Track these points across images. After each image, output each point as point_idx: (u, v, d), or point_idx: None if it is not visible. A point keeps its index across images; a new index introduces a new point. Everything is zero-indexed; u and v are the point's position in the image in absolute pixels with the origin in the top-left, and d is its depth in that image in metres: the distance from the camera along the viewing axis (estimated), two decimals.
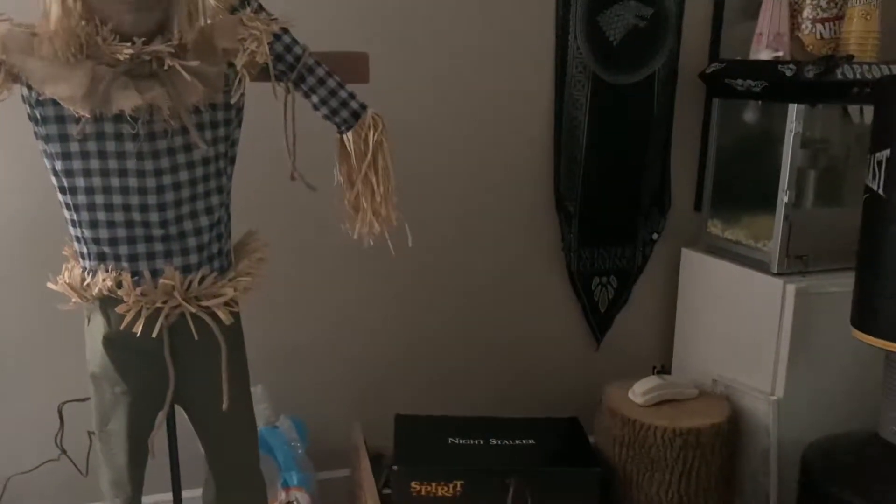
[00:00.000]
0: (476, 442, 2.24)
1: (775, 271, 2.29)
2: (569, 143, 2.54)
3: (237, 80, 1.35)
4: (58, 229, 1.41)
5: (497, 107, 2.45)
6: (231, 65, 1.34)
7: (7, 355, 2.16)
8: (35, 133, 1.27)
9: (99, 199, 1.28)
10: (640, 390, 2.32)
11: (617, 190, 2.62)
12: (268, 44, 1.36)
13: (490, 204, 2.51)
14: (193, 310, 1.33)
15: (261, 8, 1.47)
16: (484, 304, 2.57)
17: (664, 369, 2.59)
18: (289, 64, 1.42)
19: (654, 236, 2.69)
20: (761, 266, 2.33)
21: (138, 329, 1.30)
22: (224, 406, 1.37)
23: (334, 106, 1.48)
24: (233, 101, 1.35)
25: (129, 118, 1.23)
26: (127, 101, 1.21)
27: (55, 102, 1.22)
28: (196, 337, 1.35)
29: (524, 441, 2.26)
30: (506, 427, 2.31)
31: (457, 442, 2.23)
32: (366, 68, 1.62)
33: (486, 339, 2.59)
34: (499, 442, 2.24)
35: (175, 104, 1.25)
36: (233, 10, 1.44)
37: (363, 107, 1.51)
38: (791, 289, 2.23)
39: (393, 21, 2.30)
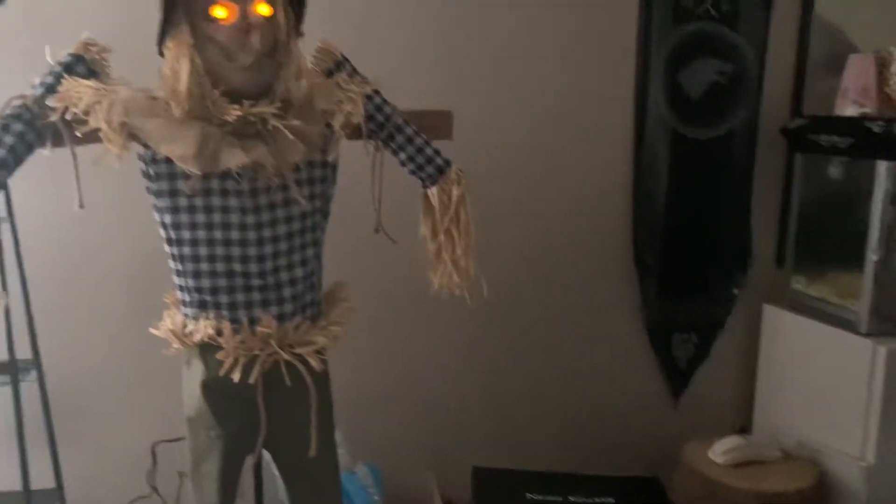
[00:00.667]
0: (555, 499, 2.21)
1: (864, 331, 2.22)
2: (648, 197, 2.54)
3: (334, 139, 1.41)
4: (160, 278, 1.49)
5: (576, 160, 2.48)
6: (328, 125, 1.41)
7: (106, 393, 2.27)
8: (147, 188, 1.36)
9: (203, 250, 1.35)
10: (721, 450, 2.26)
11: (697, 244, 2.60)
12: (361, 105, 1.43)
13: (568, 256, 2.52)
14: (287, 357, 1.38)
15: (354, 71, 1.55)
16: (560, 356, 2.56)
17: (745, 429, 2.52)
18: (379, 123, 1.49)
19: (736, 291, 2.64)
20: (849, 325, 2.26)
21: (236, 375, 1.36)
22: (312, 452, 1.41)
23: (420, 162, 1.54)
24: (329, 159, 1.42)
25: (234, 175, 1.31)
26: (233, 159, 1.28)
27: (168, 160, 1.30)
28: (288, 383, 1.39)
29: (604, 499, 2.22)
30: (585, 484, 2.29)
31: (536, 498, 2.21)
32: (450, 126, 1.67)
33: (561, 391, 2.57)
34: (578, 500, 2.21)
35: (277, 162, 1.31)
36: (328, 73, 1.52)
37: (447, 163, 1.56)
38: (882, 350, 2.15)
39: (477, 80, 2.37)
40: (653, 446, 2.58)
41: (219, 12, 1.25)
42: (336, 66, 1.53)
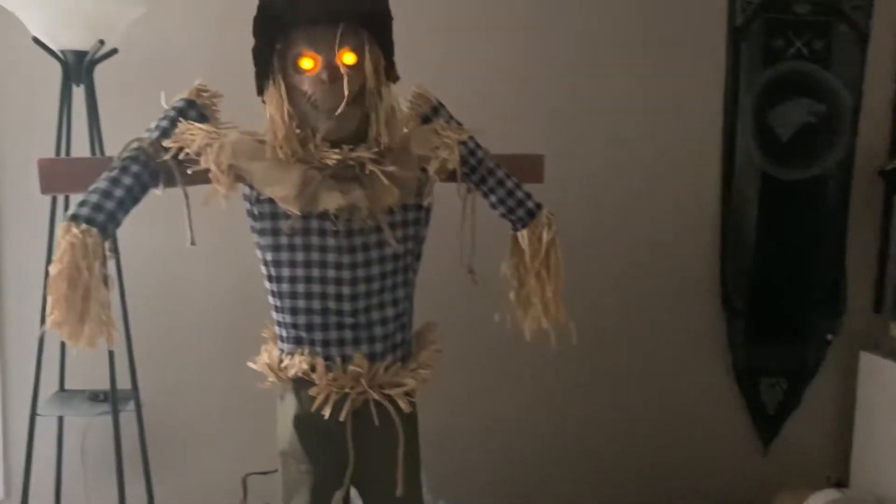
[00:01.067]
0: None
1: None
2: (736, 237, 2.49)
3: (429, 184, 1.45)
4: (258, 313, 1.54)
5: (663, 200, 2.46)
6: (423, 169, 1.44)
7: (200, 424, 2.34)
8: (251, 227, 1.42)
9: (300, 287, 1.40)
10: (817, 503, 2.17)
11: (788, 286, 2.52)
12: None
13: (653, 297, 2.48)
14: (377, 397, 1.40)
15: (450, 117, 1.58)
16: (645, 398, 2.51)
17: (842, 482, 2.41)
18: (472, 167, 1.51)
19: (829, 337, 2.54)
20: None
21: (327, 412, 1.39)
22: (398, 492, 1.42)
23: (511, 205, 1.55)
24: (424, 203, 1.45)
25: (332, 216, 1.35)
26: (332, 201, 1.33)
27: (271, 201, 1.36)
28: (377, 423, 1.42)
29: None
30: None
31: None
32: (541, 169, 1.69)
33: (644, 436, 2.52)
34: None
35: (373, 205, 1.35)
36: (424, 118, 1.56)
37: (538, 206, 1.57)
38: None
39: (564, 120, 2.38)
40: (742, 494, 2.50)
41: (305, 63, 1.31)
42: (432, 111, 1.57)
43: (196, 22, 2.20)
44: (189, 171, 1.35)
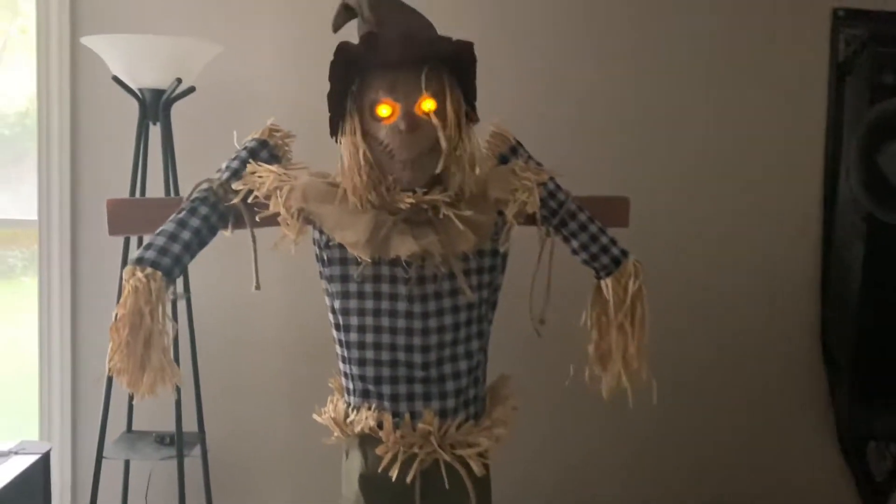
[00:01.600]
0: None
1: None
2: (839, 289, 2.32)
3: (506, 228, 1.37)
4: (325, 361, 1.48)
5: (757, 249, 2.33)
6: (500, 213, 1.36)
7: (264, 471, 2.29)
8: (320, 273, 1.37)
9: (369, 337, 1.33)
10: None
11: None
12: None
13: (748, 354, 2.33)
14: (447, 458, 1.32)
15: (529, 157, 1.51)
16: (734, 464, 2.34)
17: None
18: (552, 209, 1.43)
19: None
20: None
21: (394, 473, 1.31)
22: None
23: (594, 251, 1.46)
24: (501, 249, 1.37)
25: (403, 263, 1.29)
26: (404, 247, 1.26)
27: (341, 246, 1.30)
28: (447, 486, 1.32)
29: None
30: None
31: None
32: (626, 213, 1.60)
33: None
34: None
35: (446, 251, 1.28)
36: (502, 158, 1.49)
37: (624, 253, 1.47)
38: None
39: (653, 165, 2.28)
40: None
41: (382, 111, 1.26)
42: (510, 151, 1.51)
43: (272, 61, 2.20)
44: (258, 217, 1.31)
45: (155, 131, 1.92)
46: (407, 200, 1.27)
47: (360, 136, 1.26)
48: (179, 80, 1.84)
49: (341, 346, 1.37)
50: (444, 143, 1.24)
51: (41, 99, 2.08)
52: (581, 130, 2.29)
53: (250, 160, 1.37)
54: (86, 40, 1.82)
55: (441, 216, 1.29)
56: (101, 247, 2.14)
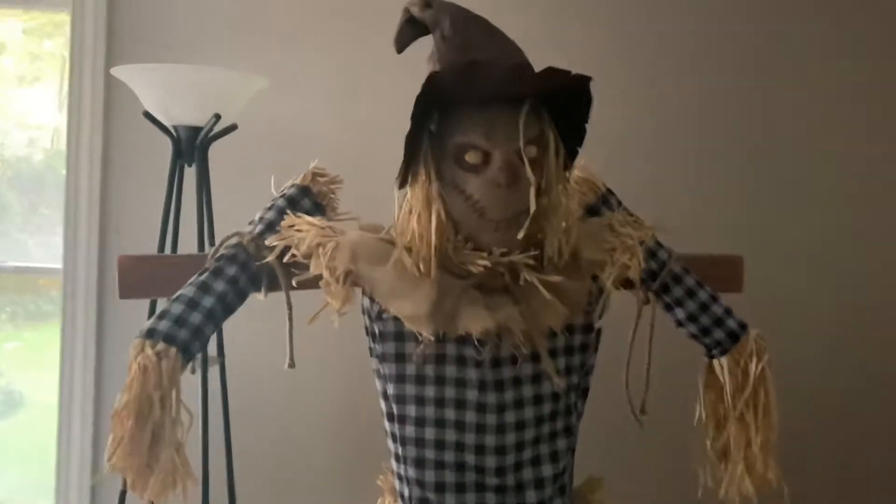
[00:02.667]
0: None
1: None
2: None
3: (602, 298, 1.11)
4: (375, 449, 1.24)
5: (888, 315, 2.01)
6: (594, 278, 1.11)
7: None
8: (370, 349, 1.13)
9: (430, 433, 1.08)
10: None
11: None
12: None
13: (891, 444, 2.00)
14: None
15: (622, 206, 1.26)
16: None
17: None
18: (651, 271, 1.19)
19: None
20: None
21: None
22: None
23: (705, 324, 1.22)
24: (596, 324, 1.12)
25: (475, 341, 1.04)
26: (475, 322, 1.02)
27: (397, 319, 1.07)
28: None
29: None
30: None
31: None
32: (740, 275, 1.37)
33: None
34: None
35: (529, 327, 1.04)
36: (590, 210, 1.25)
37: (743, 326, 1.23)
38: None
39: (766, 219, 2.01)
40: None
41: (473, 158, 1.02)
42: (600, 200, 1.26)
43: (323, 97, 2.02)
44: (295, 280, 1.09)
45: (190, 174, 1.72)
46: (479, 262, 1.03)
47: (436, 188, 1.03)
48: (218, 117, 1.65)
49: (395, 441, 1.12)
50: (533, 205, 1.00)
51: (71, 136, 1.93)
52: (686, 184, 2.05)
53: (288, 210, 1.15)
54: (116, 71, 1.65)
55: (522, 282, 1.04)
56: (129, 301, 1.94)
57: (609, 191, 1.30)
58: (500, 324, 1.03)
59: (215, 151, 1.75)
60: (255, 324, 1.62)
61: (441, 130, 1.03)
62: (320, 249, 1.08)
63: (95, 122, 1.93)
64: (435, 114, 1.03)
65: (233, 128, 1.73)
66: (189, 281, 1.09)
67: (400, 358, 1.08)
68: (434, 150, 1.04)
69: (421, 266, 1.04)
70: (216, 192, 1.75)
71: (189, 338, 1.05)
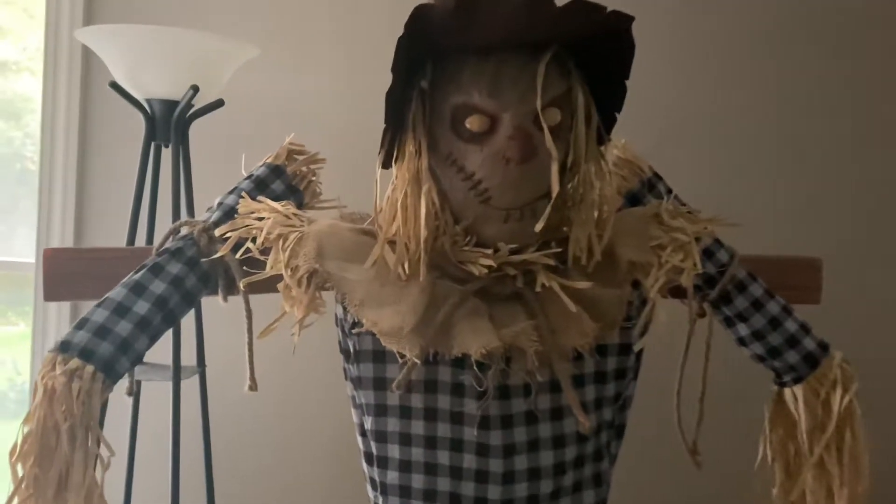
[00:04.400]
0: None
1: None
2: None
3: (646, 310, 0.89)
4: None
5: None
6: (635, 284, 0.88)
7: None
8: (344, 370, 0.92)
9: (417, 481, 0.86)
10: None
11: None
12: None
13: None
14: None
15: (671, 194, 1.04)
16: None
17: None
18: (707, 276, 0.97)
19: None
20: None
21: None
22: None
23: (776, 344, 0.99)
24: (636, 345, 0.89)
25: (475, 364, 0.81)
26: (476, 339, 0.80)
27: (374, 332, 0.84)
28: None
29: None
30: None
31: None
32: (817, 283, 1.12)
33: None
34: None
35: (547, 347, 0.81)
36: (631, 198, 1.02)
37: (824, 348, 1.00)
38: None
39: (845, 221, 1.75)
40: None
41: (475, 123, 0.80)
42: (646, 187, 1.04)
43: (322, 70, 1.82)
44: (241, 283, 0.88)
45: (169, 156, 1.52)
46: (483, 262, 0.81)
47: (426, 163, 0.82)
48: (196, 89, 1.45)
49: (374, 488, 0.91)
50: (555, 186, 0.77)
51: (46, 112, 1.74)
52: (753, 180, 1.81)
53: (246, 195, 0.93)
54: (80, 34, 1.45)
55: (539, 288, 0.82)
56: None
57: (656, 175, 1.08)
58: (510, 342, 0.81)
59: (198, 131, 1.55)
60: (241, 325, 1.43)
61: (435, 88, 0.81)
62: (280, 242, 0.86)
63: (73, 103, 1.74)
64: (428, 65, 0.81)
65: (218, 104, 1.53)
66: (122, 280, 0.88)
67: (380, 384, 0.87)
68: (426, 114, 0.82)
69: (407, 266, 0.82)
70: (199, 177, 1.55)
71: (113, 353, 0.84)
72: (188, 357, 1.51)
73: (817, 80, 1.87)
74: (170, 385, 1.42)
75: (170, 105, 1.47)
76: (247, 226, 0.89)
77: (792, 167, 1.87)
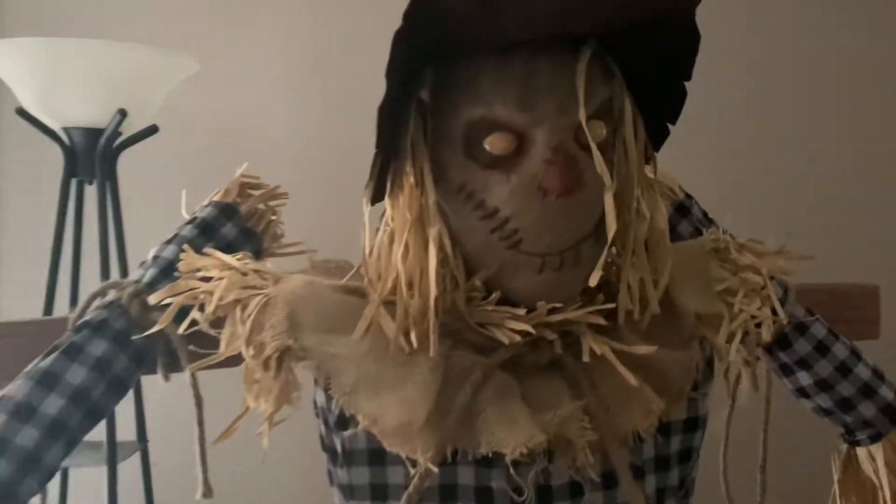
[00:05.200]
0: None
1: None
2: None
3: (710, 371, 0.72)
4: None
5: None
6: (701, 340, 0.70)
7: None
8: (329, 474, 0.71)
9: None
10: None
11: None
12: None
13: None
14: None
15: (704, 215, 0.89)
16: None
17: None
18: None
19: None
20: None
21: None
22: None
23: (847, 394, 0.82)
24: (701, 413, 0.73)
25: (509, 464, 0.62)
26: (512, 433, 0.62)
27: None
28: None
29: None
30: None
31: None
32: (875, 314, 0.97)
33: None
34: None
35: (602, 433, 0.62)
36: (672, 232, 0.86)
37: None
38: None
39: None
40: None
41: (499, 144, 0.61)
42: (678, 211, 0.89)
43: (275, 86, 1.61)
44: (188, 367, 0.69)
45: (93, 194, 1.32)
46: (514, 326, 0.62)
47: (434, 199, 0.62)
48: (123, 114, 1.24)
49: None
50: (612, 222, 0.60)
51: None
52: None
53: (187, 246, 0.73)
54: None
55: (586, 357, 0.63)
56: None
57: (688, 196, 0.91)
58: (555, 432, 0.62)
59: (129, 163, 1.35)
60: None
61: (440, 99, 0.62)
62: (238, 311, 0.66)
63: None
64: (428, 69, 0.62)
65: (152, 130, 1.34)
66: (25, 370, 0.67)
67: (380, 494, 0.66)
68: (430, 134, 0.63)
69: (413, 335, 0.62)
70: (132, 220, 1.34)
71: (12, 475, 0.62)
72: (126, 430, 1.29)
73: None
74: (104, 469, 1.20)
75: (93, 134, 1.28)
76: (191, 289, 0.68)
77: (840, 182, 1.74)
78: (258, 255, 0.83)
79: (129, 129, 1.32)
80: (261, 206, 0.84)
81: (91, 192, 1.30)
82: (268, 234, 0.84)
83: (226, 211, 0.81)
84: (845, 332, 0.90)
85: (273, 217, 0.85)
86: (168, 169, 1.51)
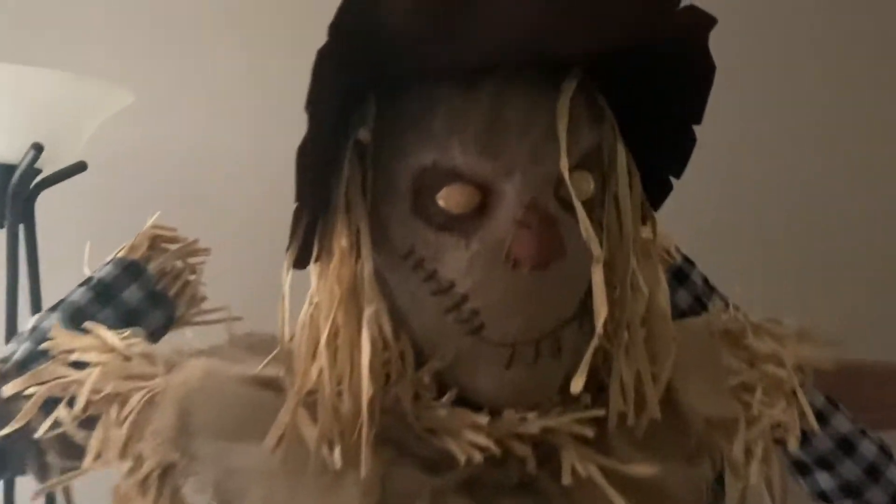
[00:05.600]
0: None
1: None
2: None
3: (720, 487, 0.60)
4: None
5: None
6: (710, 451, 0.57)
7: None
8: None
9: None
10: None
11: None
12: None
13: None
14: None
15: (705, 282, 0.77)
16: None
17: None
18: None
19: None
20: None
21: None
22: None
23: (877, 500, 0.70)
24: None
25: None
26: None
27: None
28: None
29: None
30: None
31: None
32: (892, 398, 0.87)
33: None
34: None
35: None
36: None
37: None
38: None
39: None
40: None
41: (456, 200, 0.48)
42: (675, 277, 0.74)
43: (220, 119, 1.47)
44: (56, 481, 0.55)
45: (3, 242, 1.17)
46: (472, 438, 0.48)
47: (370, 268, 0.49)
48: (39, 149, 1.09)
49: None
50: (603, 305, 0.47)
51: None
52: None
53: (59, 321, 0.59)
54: None
55: (567, 480, 0.49)
56: None
57: (687, 260, 0.77)
58: None
59: (51, 204, 1.20)
60: None
61: (384, 139, 0.49)
62: (114, 409, 0.51)
63: None
64: (370, 101, 0.48)
65: (79, 167, 1.18)
66: None
67: None
68: (369, 185, 0.49)
69: (338, 448, 0.47)
70: (52, 270, 1.18)
71: None
72: None
73: None
74: None
75: (4, 171, 1.12)
76: (59, 377, 0.53)
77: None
78: (169, 324, 0.69)
79: (52, 166, 1.18)
80: (176, 263, 0.70)
81: (0, 237, 1.14)
82: (183, 297, 0.70)
83: (130, 270, 0.66)
84: (875, 418, 0.79)
85: (191, 277, 0.71)
86: (99, 210, 1.35)
